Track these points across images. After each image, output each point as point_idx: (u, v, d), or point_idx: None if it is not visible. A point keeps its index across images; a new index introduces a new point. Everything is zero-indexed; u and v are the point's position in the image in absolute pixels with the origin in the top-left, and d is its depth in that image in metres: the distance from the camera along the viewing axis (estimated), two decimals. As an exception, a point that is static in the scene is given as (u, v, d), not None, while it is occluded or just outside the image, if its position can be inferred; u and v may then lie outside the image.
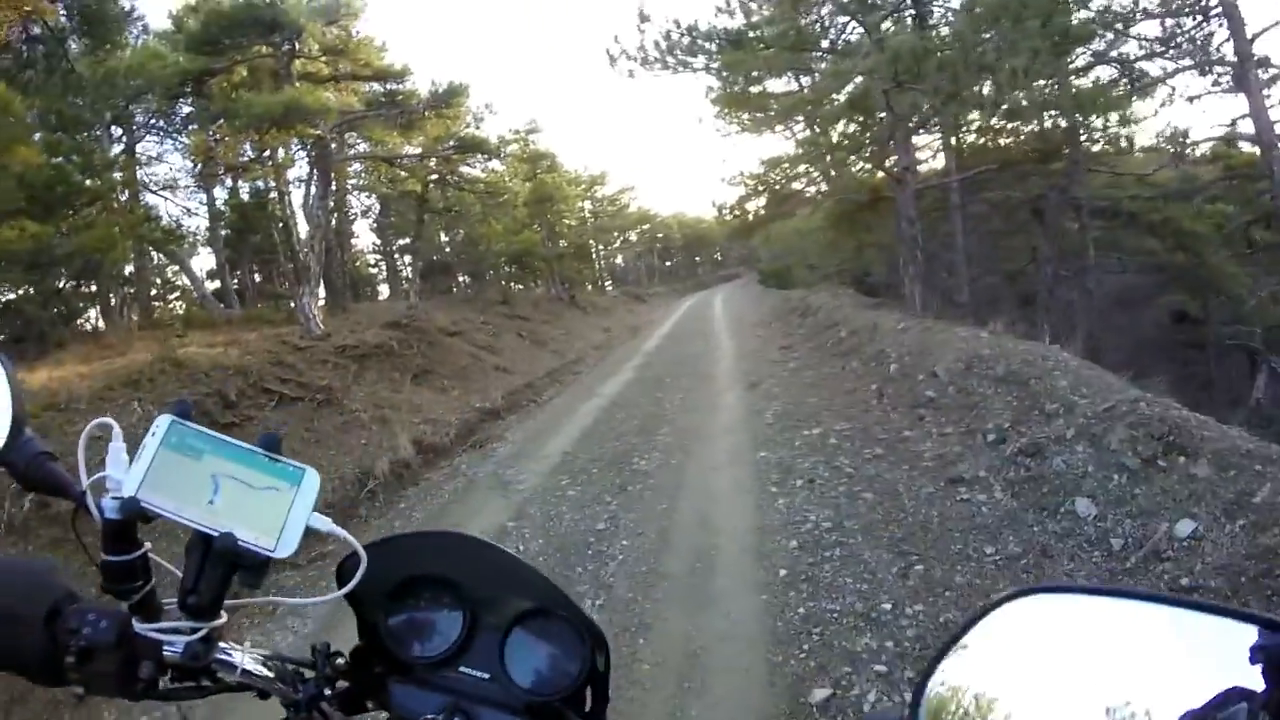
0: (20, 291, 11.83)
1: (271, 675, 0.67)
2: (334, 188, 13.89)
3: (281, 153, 13.93)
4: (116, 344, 10.27)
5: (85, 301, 13.94)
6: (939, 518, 3.93)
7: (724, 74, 12.15)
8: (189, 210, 16.09)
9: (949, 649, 0.53)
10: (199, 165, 13.97)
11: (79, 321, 13.59)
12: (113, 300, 14.30)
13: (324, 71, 12.69)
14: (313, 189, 12.37)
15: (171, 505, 0.61)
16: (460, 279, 26.31)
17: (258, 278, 19.96)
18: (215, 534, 0.60)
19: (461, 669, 0.75)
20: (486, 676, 0.75)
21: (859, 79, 10.55)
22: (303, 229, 12.64)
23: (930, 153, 14.77)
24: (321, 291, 10.93)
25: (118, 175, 12.47)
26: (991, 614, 0.53)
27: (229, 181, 16.11)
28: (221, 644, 0.64)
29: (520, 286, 24.79)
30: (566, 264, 25.59)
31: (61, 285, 12.79)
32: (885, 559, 3.56)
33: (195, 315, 14.28)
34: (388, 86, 13.53)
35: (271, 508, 0.63)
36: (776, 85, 14.03)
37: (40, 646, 0.58)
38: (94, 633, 0.58)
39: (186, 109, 13.89)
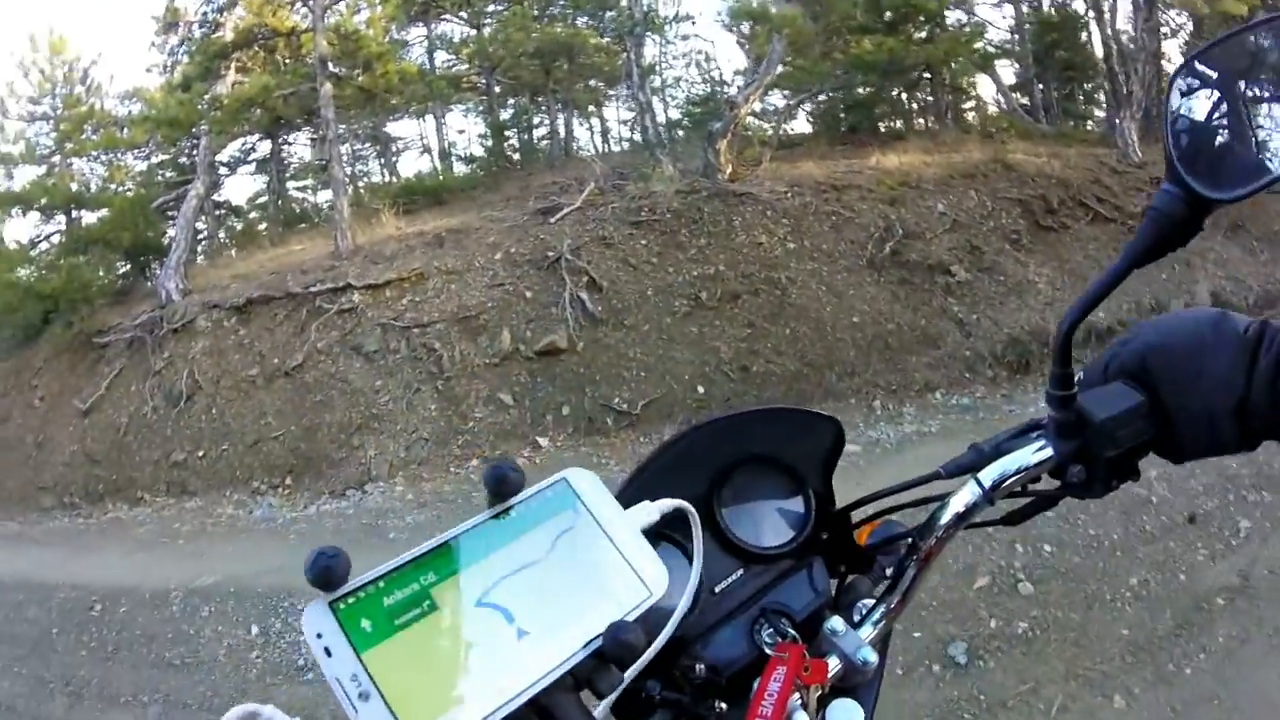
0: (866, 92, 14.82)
1: None
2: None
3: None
4: (948, 143, 11.62)
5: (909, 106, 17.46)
6: None
7: None
8: (989, 23, 17.64)
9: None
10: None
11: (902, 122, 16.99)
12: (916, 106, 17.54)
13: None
14: (1134, 9, 12.66)
15: (481, 704, 0.38)
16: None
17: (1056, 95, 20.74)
18: (595, 642, 0.42)
19: (716, 590, 0.66)
20: (740, 572, 0.67)
21: None
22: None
23: None
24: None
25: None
26: None
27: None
28: None
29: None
30: None
31: (897, 92, 15.63)
32: None
33: (1009, 124, 16.22)
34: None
35: (593, 555, 0.46)
36: None
37: None
38: None
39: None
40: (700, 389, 7.17)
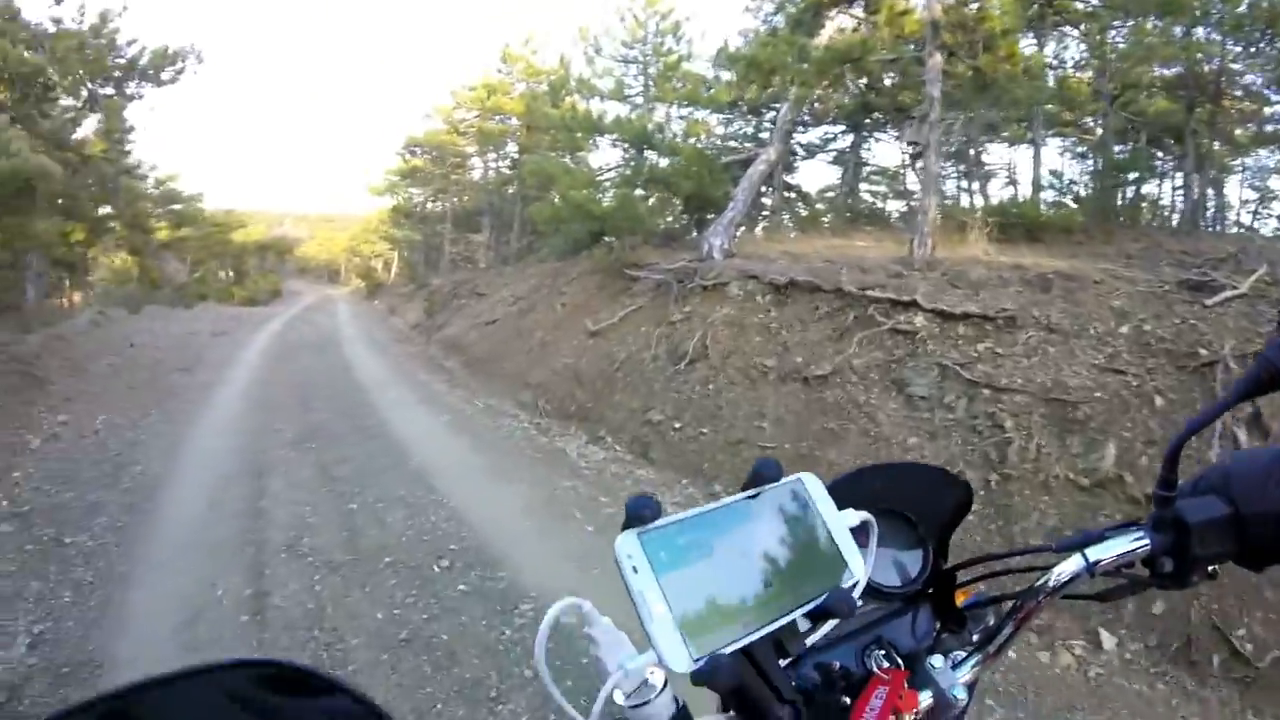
0: None
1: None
2: None
3: None
4: None
5: None
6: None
7: None
8: None
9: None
10: None
11: None
12: None
13: None
14: None
15: (742, 627, 0.55)
16: None
17: None
18: (823, 597, 0.59)
19: None
20: (860, 602, 0.72)
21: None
22: None
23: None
24: None
25: None
26: None
27: None
28: None
29: None
30: None
31: None
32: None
33: None
34: None
35: (814, 539, 0.63)
36: None
37: None
38: None
39: None
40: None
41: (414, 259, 33.10)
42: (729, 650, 0.52)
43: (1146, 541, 0.71)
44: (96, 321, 14.69)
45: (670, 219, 13.35)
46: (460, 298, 17.44)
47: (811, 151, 17.12)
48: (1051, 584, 0.72)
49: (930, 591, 0.85)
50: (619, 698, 0.55)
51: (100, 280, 25.08)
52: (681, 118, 16.22)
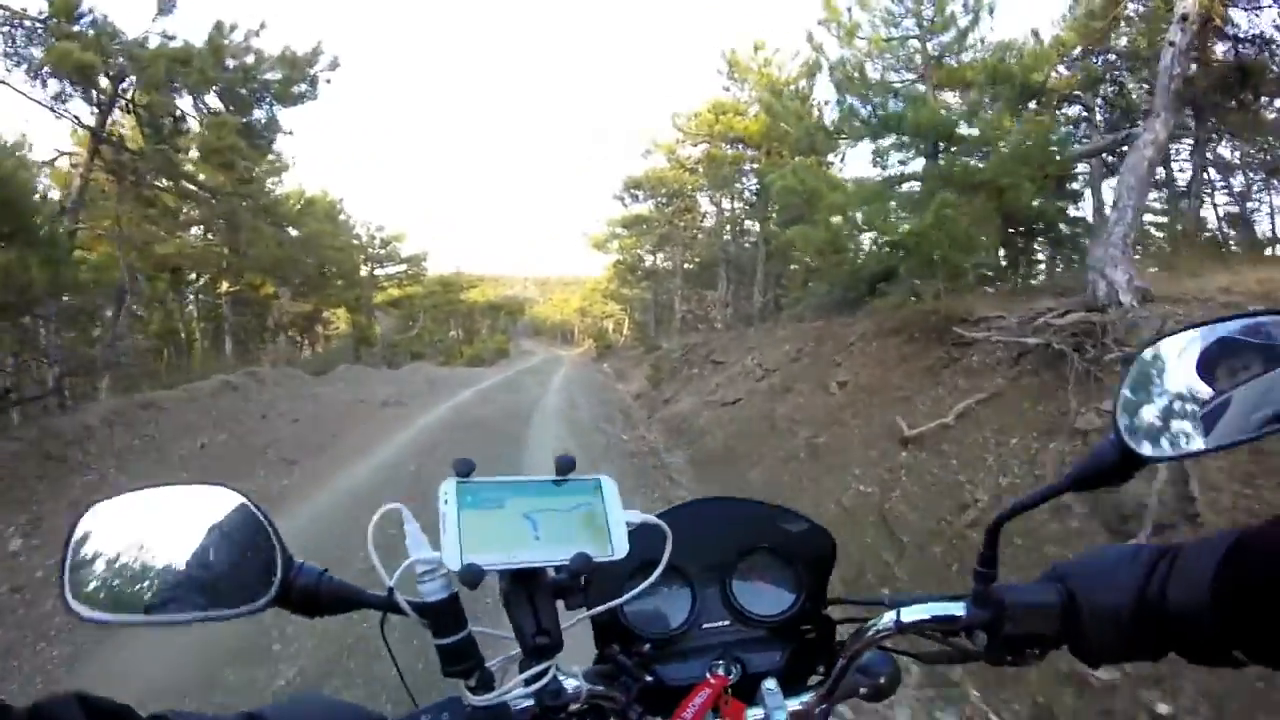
0: None
1: (601, 689, 0.80)
2: None
3: None
4: None
5: None
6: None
7: None
8: None
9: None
10: None
11: None
12: None
13: None
14: None
15: (500, 557, 0.70)
16: None
17: None
18: (565, 561, 0.71)
19: (704, 626, 0.95)
20: (727, 622, 0.96)
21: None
22: None
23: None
24: None
25: None
26: None
27: None
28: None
29: None
30: None
31: None
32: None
33: None
34: None
35: (590, 522, 0.76)
36: None
37: None
38: None
39: None
40: None
41: (644, 319, 31.61)
42: (487, 566, 0.67)
43: (959, 612, 0.77)
44: (234, 385, 12.96)
45: (989, 246, 9.57)
46: (692, 365, 14.80)
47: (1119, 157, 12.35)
48: (869, 634, 0.82)
49: (807, 630, 0.96)
50: (416, 569, 0.71)
51: (333, 336, 26.34)
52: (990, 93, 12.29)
